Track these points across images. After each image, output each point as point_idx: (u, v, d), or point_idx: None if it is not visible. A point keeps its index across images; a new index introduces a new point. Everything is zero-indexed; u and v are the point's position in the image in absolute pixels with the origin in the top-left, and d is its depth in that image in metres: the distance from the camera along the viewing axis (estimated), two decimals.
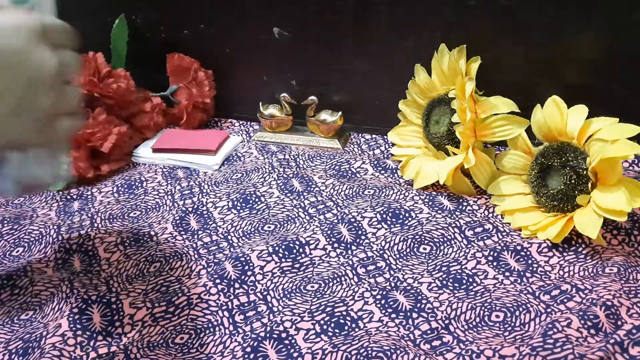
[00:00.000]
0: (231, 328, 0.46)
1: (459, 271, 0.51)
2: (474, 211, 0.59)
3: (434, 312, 0.46)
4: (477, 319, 0.46)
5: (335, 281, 0.50)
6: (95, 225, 0.60)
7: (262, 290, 0.49)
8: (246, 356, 0.42)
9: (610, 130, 0.50)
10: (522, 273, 0.50)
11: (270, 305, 0.47)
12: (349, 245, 0.54)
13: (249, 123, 0.83)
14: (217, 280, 0.50)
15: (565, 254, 0.52)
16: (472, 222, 0.57)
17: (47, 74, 0.38)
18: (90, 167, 0.68)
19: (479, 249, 0.53)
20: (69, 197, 0.66)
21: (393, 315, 0.46)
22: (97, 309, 0.47)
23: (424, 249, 0.54)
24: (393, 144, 0.71)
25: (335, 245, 0.54)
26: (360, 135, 0.78)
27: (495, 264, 0.51)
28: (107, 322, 0.46)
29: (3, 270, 0.53)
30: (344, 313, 0.46)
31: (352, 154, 0.74)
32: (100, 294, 0.49)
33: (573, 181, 0.52)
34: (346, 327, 0.45)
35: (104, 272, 0.53)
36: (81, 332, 0.45)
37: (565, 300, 0.46)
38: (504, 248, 0.53)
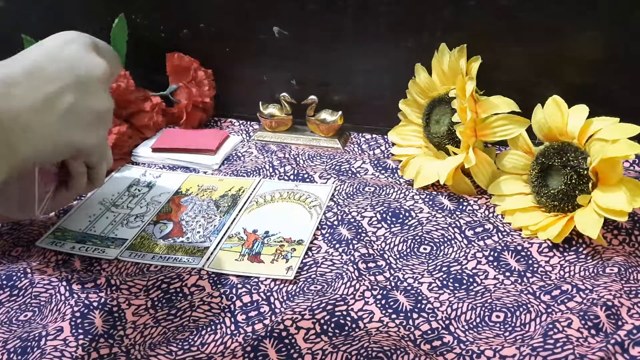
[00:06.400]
0: (232, 327, 0.46)
1: (459, 271, 0.51)
2: (475, 211, 0.59)
3: (434, 312, 0.46)
4: (478, 319, 0.46)
5: (335, 281, 0.50)
6: None
7: (266, 291, 0.49)
8: (246, 355, 0.42)
9: (610, 130, 0.50)
10: (522, 273, 0.50)
11: (272, 306, 0.47)
12: (348, 244, 0.54)
13: (248, 123, 0.83)
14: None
15: (565, 254, 0.52)
16: (472, 222, 0.57)
17: (96, 78, 0.43)
18: None
19: (480, 249, 0.53)
20: None
21: (393, 316, 0.46)
22: (98, 314, 0.47)
23: (424, 249, 0.54)
24: (393, 144, 0.71)
25: (336, 244, 0.54)
26: (360, 135, 0.78)
27: (495, 264, 0.51)
28: (109, 326, 0.46)
29: (3, 270, 0.53)
30: (344, 313, 0.46)
31: (352, 153, 0.73)
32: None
33: (574, 181, 0.52)
34: (346, 328, 0.45)
35: (104, 270, 0.53)
36: (83, 335, 0.45)
37: (565, 300, 0.46)
38: (505, 248, 0.53)
